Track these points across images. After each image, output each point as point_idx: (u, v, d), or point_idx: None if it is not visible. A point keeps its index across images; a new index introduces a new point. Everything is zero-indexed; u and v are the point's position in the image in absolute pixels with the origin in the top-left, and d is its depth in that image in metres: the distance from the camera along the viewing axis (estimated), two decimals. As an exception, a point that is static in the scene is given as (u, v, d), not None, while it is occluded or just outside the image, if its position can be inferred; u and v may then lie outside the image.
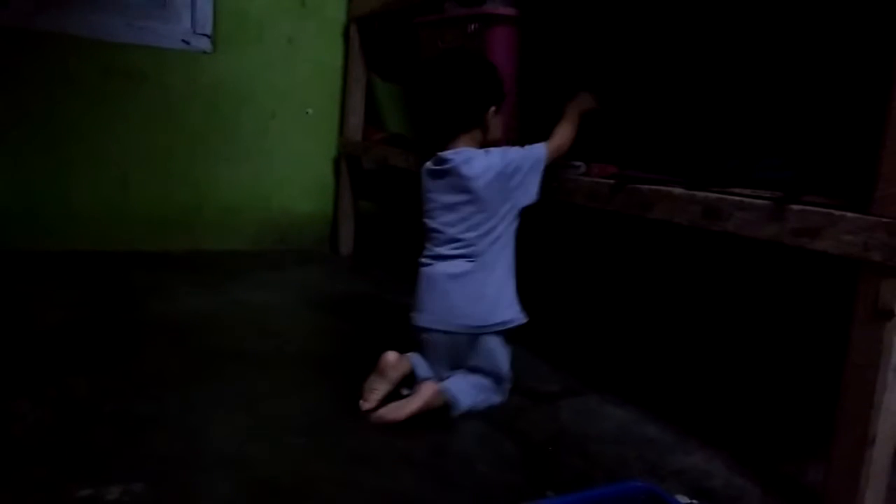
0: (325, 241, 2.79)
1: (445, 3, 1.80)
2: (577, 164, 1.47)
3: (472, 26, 1.65)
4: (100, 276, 2.08)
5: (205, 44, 2.46)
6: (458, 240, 1.34)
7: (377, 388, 1.28)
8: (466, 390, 1.29)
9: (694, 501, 1.02)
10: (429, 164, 1.41)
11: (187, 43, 2.43)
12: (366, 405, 1.27)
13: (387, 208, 2.90)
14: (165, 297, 1.91)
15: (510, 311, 1.35)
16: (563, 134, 1.43)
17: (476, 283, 1.32)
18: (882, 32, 1.18)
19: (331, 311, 1.95)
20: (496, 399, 1.35)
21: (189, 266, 2.31)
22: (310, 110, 2.68)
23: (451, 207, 1.35)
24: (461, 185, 1.34)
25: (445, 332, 1.32)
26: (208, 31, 2.46)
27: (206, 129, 2.50)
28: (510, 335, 1.38)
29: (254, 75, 2.55)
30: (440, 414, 1.27)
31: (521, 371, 1.51)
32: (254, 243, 2.65)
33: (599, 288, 2.32)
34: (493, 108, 1.40)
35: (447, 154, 1.37)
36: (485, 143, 1.41)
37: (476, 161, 1.34)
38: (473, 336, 1.32)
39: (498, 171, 1.33)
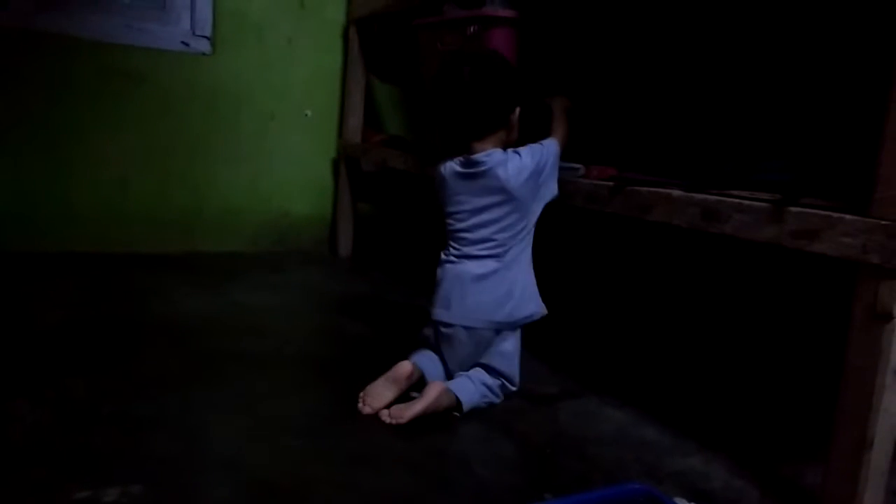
0: (323, 243, 2.79)
1: (445, 5, 1.80)
2: (576, 166, 1.47)
3: (472, 28, 1.65)
4: (99, 278, 2.07)
5: (204, 45, 2.46)
6: (490, 240, 1.35)
7: (385, 395, 1.28)
8: (471, 390, 1.31)
9: None
10: (455, 167, 1.39)
11: (186, 44, 2.43)
12: (366, 410, 1.26)
13: (386, 210, 2.90)
14: (164, 298, 1.91)
15: (533, 305, 1.38)
16: (563, 129, 1.47)
17: (505, 282, 1.34)
18: (880, 35, 1.18)
19: (330, 313, 1.95)
20: (497, 401, 1.36)
21: (188, 267, 2.31)
22: (309, 112, 2.69)
23: (484, 209, 1.35)
24: (497, 186, 1.33)
25: (468, 328, 1.33)
26: (207, 32, 2.46)
27: (205, 130, 2.50)
28: (525, 340, 1.42)
29: (253, 77, 2.55)
30: (440, 415, 1.27)
31: (520, 373, 1.51)
32: (253, 245, 2.64)
33: (598, 290, 2.32)
34: (518, 109, 1.40)
35: (479, 157, 1.35)
36: (508, 144, 1.41)
37: (511, 163, 1.34)
38: (496, 332, 1.34)
39: (531, 171, 1.35)
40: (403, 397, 1.29)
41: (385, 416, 1.24)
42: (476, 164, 1.35)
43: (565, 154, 1.51)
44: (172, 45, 2.41)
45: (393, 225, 2.89)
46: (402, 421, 1.21)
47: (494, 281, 1.34)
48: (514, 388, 1.38)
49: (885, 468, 0.97)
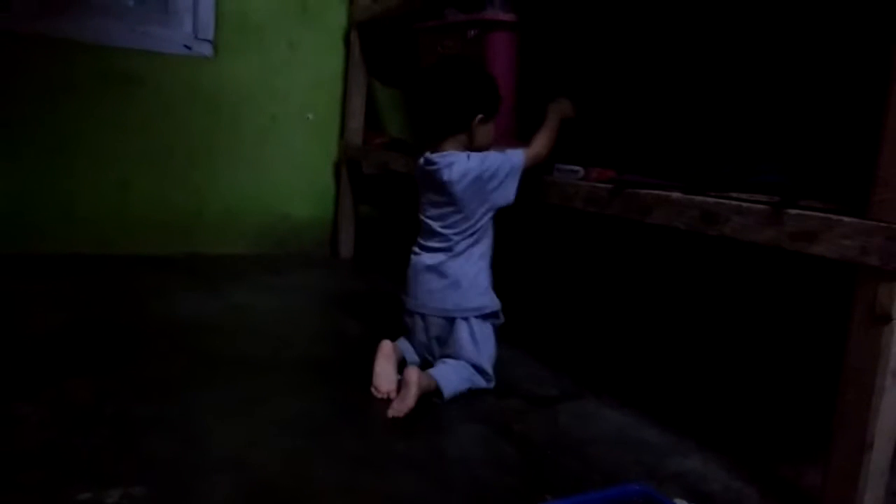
0: (325, 245, 2.80)
1: (445, 9, 1.81)
2: (576, 168, 1.48)
3: (472, 32, 1.66)
4: (100, 280, 2.08)
5: (206, 49, 2.47)
6: (440, 234, 1.44)
7: (389, 373, 1.37)
8: (449, 375, 1.36)
9: (692, 505, 1.03)
10: (421, 163, 1.49)
11: (189, 48, 2.44)
12: (393, 393, 1.33)
13: (387, 212, 2.91)
14: (166, 300, 1.91)
15: (483, 299, 1.44)
16: (542, 142, 1.49)
17: (452, 274, 1.42)
18: (879, 37, 1.18)
19: (331, 315, 1.95)
20: (480, 384, 1.40)
21: (189, 270, 2.31)
22: (310, 115, 2.69)
23: (435, 205, 1.46)
24: (442, 187, 1.42)
25: (423, 315, 1.44)
26: (210, 36, 2.47)
27: (206, 133, 2.51)
28: (499, 332, 1.48)
29: (255, 80, 2.56)
30: (439, 416, 1.27)
31: (520, 375, 1.52)
32: (254, 247, 2.65)
33: (598, 292, 2.32)
34: (479, 117, 1.45)
35: (433, 157, 1.45)
36: (471, 149, 1.46)
37: (456, 166, 1.41)
38: (450, 321, 1.42)
39: (475, 176, 1.41)
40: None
41: (390, 412, 1.28)
42: (431, 163, 1.45)
43: (564, 156, 1.52)
44: (175, 48, 2.42)
45: (394, 227, 2.90)
46: (406, 410, 1.27)
47: (442, 272, 1.43)
48: (488, 374, 1.42)
49: (885, 469, 0.97)
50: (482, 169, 1.41)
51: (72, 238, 2.33)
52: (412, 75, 1.54)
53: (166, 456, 1.06)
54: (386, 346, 1.41)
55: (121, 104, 2.35)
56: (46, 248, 2.29)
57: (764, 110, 1.64)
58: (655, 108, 1.90)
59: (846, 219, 0.95)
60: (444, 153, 1.44)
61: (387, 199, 2.88)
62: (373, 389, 1.36)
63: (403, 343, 1.48)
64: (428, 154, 1.47)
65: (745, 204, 1.08)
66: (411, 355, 1.47)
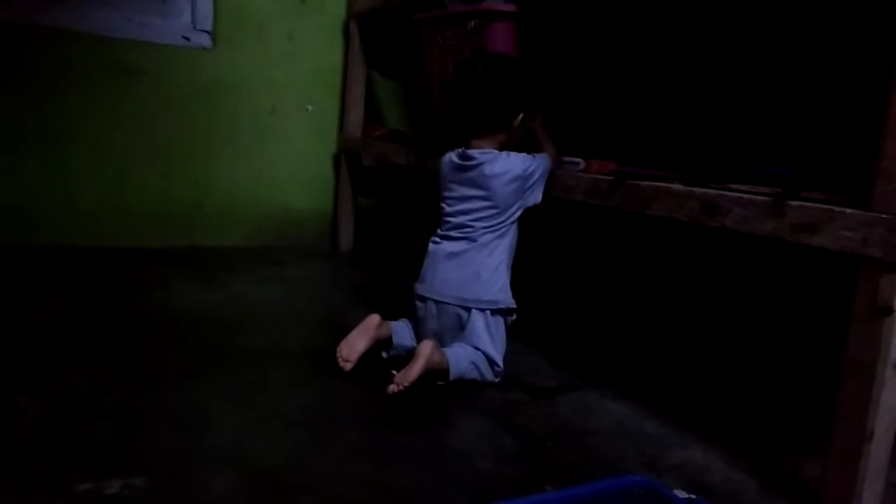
0: (324, 237, 2.79)
1: (445, 0, 1.80)
2: (577, 160, 1.48)
3: (472, 23, 1.65)
4: (100, 272, 2.08)
5: (205, 40, 2.46)
6: (467, 226, 1.46)
7: (357, 345, 1.37)
8: (459, 357, 1.36)
9: (692, 496, 1.03)
10: (454, 158, 1.51)
11: (187, 39, 2.43)
12: (348, 365, 1.35)
13: (386, 204, 2.91)
14: (165, 292, 1.91)
15: (500, 294, 1.44)
16: (553, 147, 1.54)
17: (473, 263, 1.44)
18: (881, 28, 1.18)
19: (331, 307, 1.95)
20: (487, 376, 1.40)
21: (189, 262, 2.31)
22: (310, 107, 2.68)
23: (467, 199, 1.47)
24: (482, 182, 1.44)
25: (438, 303, 1.43)
26: (208, 27, 2.45)
27: (205, 125, 2.50)
28: (511, 328, 1.48)
29: (254, 71, 2.55)
30: (439, 407, 1.27)
31: (520, 366, 1.52)
32: (253, 239, 2.65)
33: (598, 284, 2.32)
34: (521, 116, 1.48)
35: (474, 153, 1.47)
36: (507, 145, 1.49)
37: (499, 163, 1.44)
38: (464, 311, 1.42)
39: (516, 175, 1.44)
40: (374, 356, 1.41)
41: (392, 388, 1.28)
42: (470, 158, 1.46)
43: (566, 148, 1.52)
44: (173, 39, 2.41)
45: (393, 219, 2.89)
46: (409, 383, 1.27)
47: (464, 260, 1.44)
48: (498, 368, 1.41)
49: (885, 461, 0.98)
50: (523, 169, 1.44)
51: (71, 230, 2.32)
52: (457, 68, 1.54)
53: (166, 447, 1.07)
54: (372, 319, 1.41)
55: (119, 95, 2.34)
56: (45, 241, 2.28)
57: (767, 101, 1.64)
58: (657, 100, 1.89)
59: (848, 210, 0.95)
60: (483, 150, 1.46)
61: (386, 191, 2.88)
62: (338, 358, 1.37)
63: (400, 326, 1.48)
64: (463, 150, 1.49)
65: (746, 195, 1.08)
66: (407, 340, 1.47)
